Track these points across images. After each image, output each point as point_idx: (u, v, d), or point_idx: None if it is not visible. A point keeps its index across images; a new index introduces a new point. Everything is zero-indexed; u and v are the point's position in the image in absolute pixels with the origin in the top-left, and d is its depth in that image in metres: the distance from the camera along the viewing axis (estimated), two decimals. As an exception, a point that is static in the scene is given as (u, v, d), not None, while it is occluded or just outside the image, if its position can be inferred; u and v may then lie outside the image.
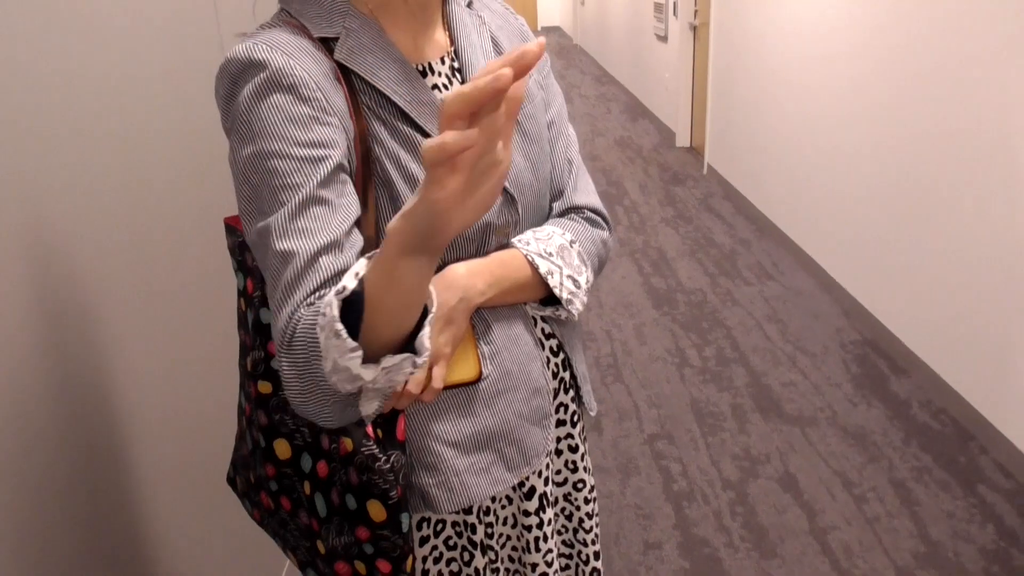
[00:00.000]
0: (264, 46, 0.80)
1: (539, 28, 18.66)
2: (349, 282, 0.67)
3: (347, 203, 0.80)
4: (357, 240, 0.80)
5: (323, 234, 0.76)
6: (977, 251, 2.63)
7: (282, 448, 0.94)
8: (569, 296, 0.97)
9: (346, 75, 0.85)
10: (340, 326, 0.66)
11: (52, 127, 1.09)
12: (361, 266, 0.68)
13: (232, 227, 0.97)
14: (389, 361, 0.68)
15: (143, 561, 1.25)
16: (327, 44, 0.85)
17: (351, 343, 0.66)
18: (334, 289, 0.67)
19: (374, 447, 0.87)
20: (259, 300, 0.92)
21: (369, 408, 0.74)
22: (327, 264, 0.75)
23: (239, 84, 0.79)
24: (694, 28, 6.42)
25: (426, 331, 0.70)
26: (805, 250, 4.14)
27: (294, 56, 0.80)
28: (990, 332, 2.59)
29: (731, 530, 2.31)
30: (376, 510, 0.88)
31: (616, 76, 10.28)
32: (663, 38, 7.19)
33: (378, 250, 0.67)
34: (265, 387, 0.93)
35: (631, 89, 9.19)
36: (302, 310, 0.73)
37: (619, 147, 7.03)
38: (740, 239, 4.64)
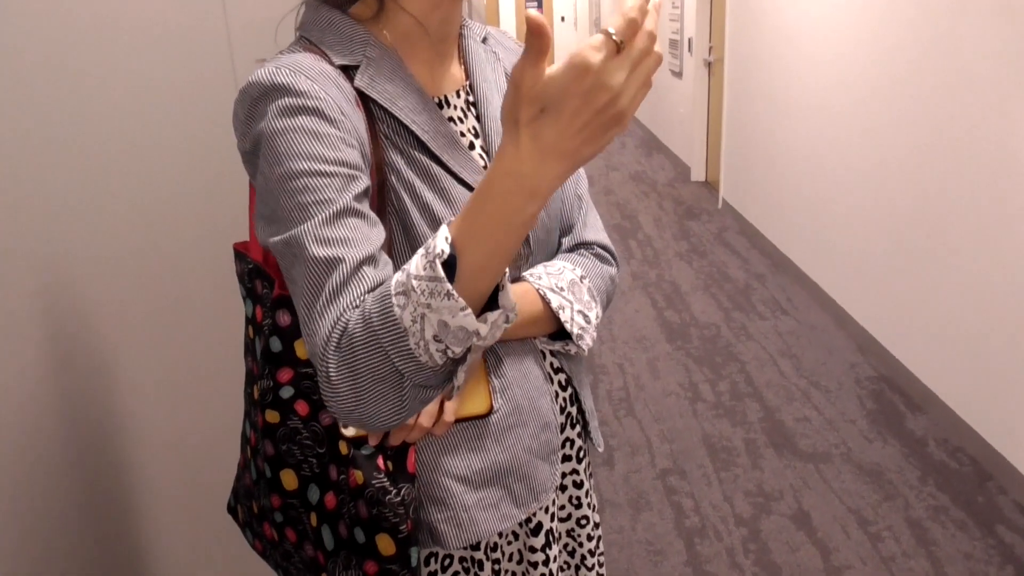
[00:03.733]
0: (287, 70, 0.80)
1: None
2: (442, 244, 0.67)
3: (378, 220, 0.80)
4: (388, 260, 0.79)
5: (365, 245, 0.75)
6: (996, 288, 2.62)
7: (289, 479, 0.94)
8: (580, 331, 0.97)
9: (365, 103, 0.86)
10: (450, 286, 0.66)
11: (61, 150, 1.12)
12: (445, 230, 0.68)
13: (241, 254, 0.98)
14: (492, 316, 0.68)
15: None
16: (347, 72, 0.86)
17: (462, 301, 0.66)
18: (428, 254, 0.67)
19: (385, 480, 0.87)
20: (269, 328, 0.92)
21: (461, 377, 0.72)
22: (370, 274, 0.74)
23: (260, 107, 0.79)
24: (709, 64, 6.47)
25: (508, 288, 0.71)
26: (820, 285, 4.12)
27: (317, 81, 0.80)
28: (1009, 369, 2.56)
29: (744, 568, 2.28)
30: (385, 544, 0.88)
31: (632, 111, 10.35)
32: (678, 74, 7.25)
33: (466, 204, 0.68)
34: (273, 416, 0.93)
35: (647, 124, 9.25)
36: (348, 314, 0.71)
37: (634, 181, 7.06)
38: (754, 273, 4.63)
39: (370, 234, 0.77)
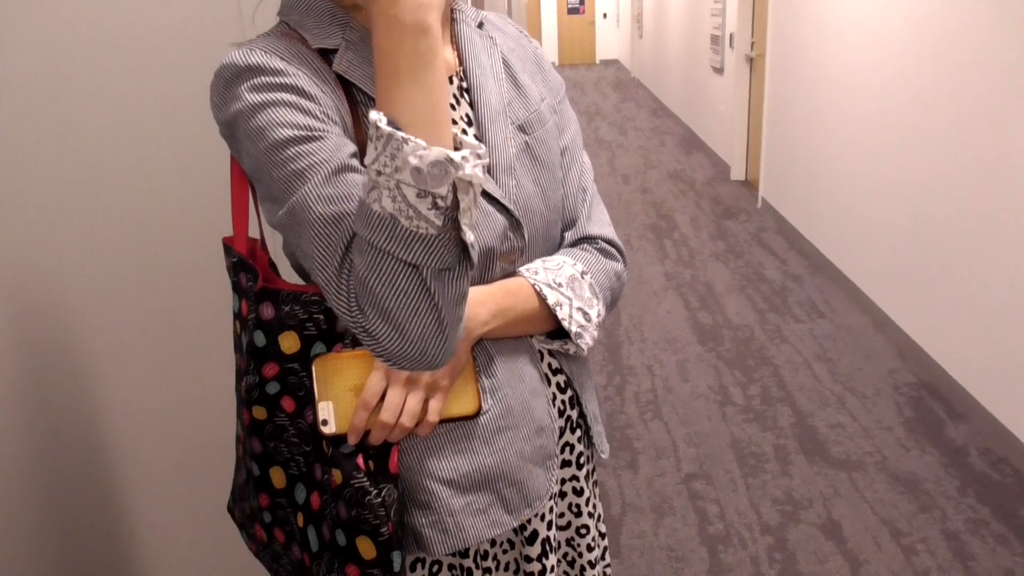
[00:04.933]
0: (260, 51, 0.78)
1: (597, 62, 18.76)
2: (374, 116, 0.66)
3: None
4: None
5: None
6: (1039, 291, 2.49)
7: (278, 477, 0.91)
8: (579, 330, 0.92)
9: (346, 87, 0.83)
10: (403, 133, 0.65)
11: (48, 142, 1.10)
12: (372, 111, 0.67)
13: (228, 247, 0.96)
14: (461, 151, 0.67)
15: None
16: (326, 56, 0.83)
17: (420, 140, 0.65)
18: (370, 136, 0.67)
19: (364, 480, 0.83)
20: (253, 322, 0.89)
21: (469, 235, 0.69)
22: None
23: (233, 88, 0.78)
24: (750, 60, 6.34)
25: (465, 138, 0.70)
26: (859, 287, 4.00)
27: (292, 62, 0.79)
28: (1054, 377, 2.44)
29: (768, 578, 2.20)
30: (366, 547, 0.84)
31: (672, 109, 10.22)
32: (719, 70, 7.13)
33: (377, 90, 0.69)
34: (259, 412, 0.90)
35: (686, 122, 9.12)
36: (354, 264, 0.70)
37: (672, 180, 6.95)
38: (792, 275, 4.51)
39: None
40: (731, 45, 6.60)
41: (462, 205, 0.68)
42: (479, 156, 0.68)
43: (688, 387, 3.31)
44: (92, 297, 1.15)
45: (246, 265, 0.91)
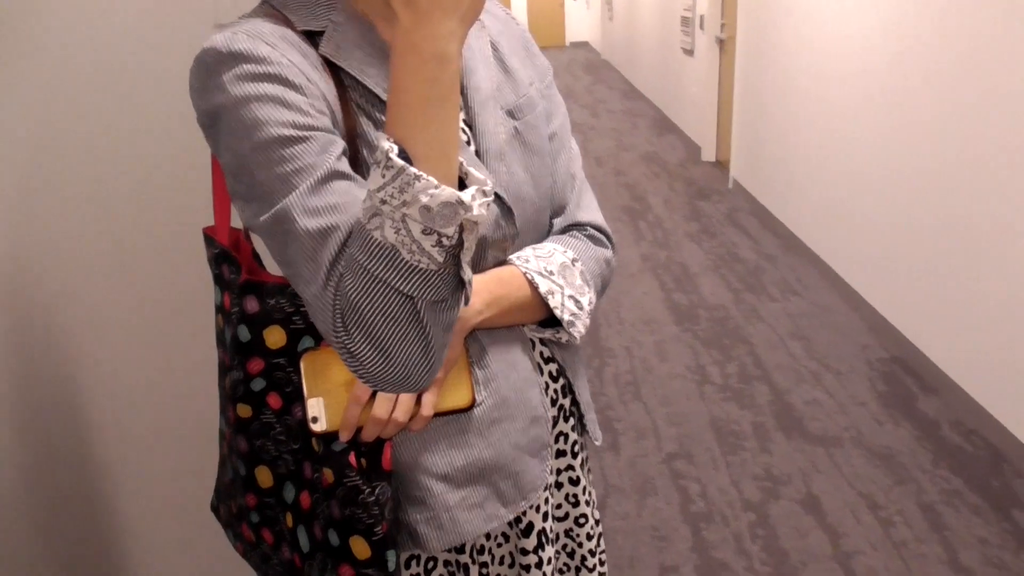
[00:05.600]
0: (244, 35, 0.75)
1: (568, 44, 18.69)
2: (386, 144, 0.64)
3: (363, 180, 0.76)
4: None
5: (356, 208, 0.71)
6: (1010, 266, 2.54)
7: (264, 476, 0.89)
8: (571, 318, 0.91)
9: (333, 71, 0.80)
10: (415, 169, 0.64)
11: (26, 132, 1.07)
12: (381, 135, 0.66)
13: (210, 238, 0.94)
14: (469, 190, 0.66)
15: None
16: (312, 38, 0.80)
17: (433, 179, 0.64)
18: (378, 163, 0.65)
19: (357, 478, 0.82)
20: (237, 316, 0.87)
21: (468, 272, 0.69)
22: None
23: (216, 76, 0.74)
24: (721, 42, 6.36)
25: (472, 171, 0.69)
26: (831, 266, 4.05)
27: (278, 47, 0.75)
28: (1022, 348, 2.49)
29: (751, 554, 2.24)
30: (360, 547, 0.83)
31: (643, 91, 10.23)
32: (690, 52, 7.14)
33: (388, 114, 0.67)
34: (244, 410, 0.88)
35: (658, 104, 9.13)
36: (342, 283, 0.69)
37: (645, 162, 6.97)
38: (765, 254, 4.55)
39: (359, 195, 0.73)
40: (701, 27, 6.61)
41: (466, 244, 0.67)
42: (484, 193, 0.67)
43: (666, 367, 3.33)
44: (71, 291, 1.13)
45: (229, 256, 0.89)
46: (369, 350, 0.68)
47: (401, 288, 0.66)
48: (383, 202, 0.65)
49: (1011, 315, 2.54)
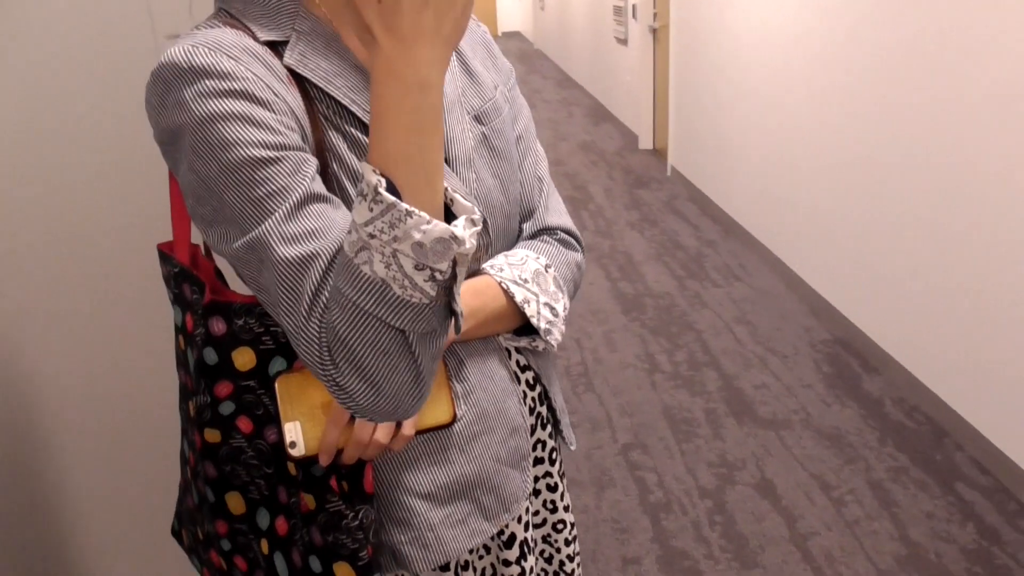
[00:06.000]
0: (205, 49, 0.70)
1: (499, 34, 18.64)
2: (374, 178, 0.63)
3: (340, 202, 0.73)
4: None
5: (334, 232, 0.69)
6: (946, 246, 2.62)
7: (235, 502, 0.85)
8: (547, 326, 0.89)
9: (299, 82, 0.76)
10: (406, 205, 0.62)
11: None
12: (367, 166, 0.64)
13: (166, 255, 0.88)
14: (459, 221, 0.65)
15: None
16: (275, 48, 0.76)
17: (425, 213, 0.63)
18: (365, 196, 0.63)
19: (340, 503, 0.79)
20: (202, 339, 0.82)
21: (459, 302, 0.69)
22: None
23: (176, 92, 0.69)
24: (654, 31, 6.41)
25: (457, 198, 0.68)
26: (771, 250, 4.12)
27: (241, 60, 0.71)
28: (961, 327, 2.57)
29: (710, 541, 2.26)
30: (344, 573, 0.79)
31: (578, 80, 10.26)
32: (623, 41, 7.18)
33: (370, 143, 0.65)
34: (212, 435, 0.83)
35: (593, 93, 9.17)
36: (328, 313, 0.66)
37: (582, 151, 6.99)
38: (706, 240, 4.61)
39: (336, 218, 0.70)
40: (634, 16, 6.65)
41: (459, 277, 0.66)
42: (473, 222, 0.66)
43: (617, 357, 3.35)
44: (24, 306, 1.05)
45: (189, 275, 0.84)
46: (358, 383, 0.66)
47: (392, 322, 0.65)
48: (371, 236, 0.63)
49: (947, 293, 2.62)
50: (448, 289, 0.67)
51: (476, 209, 0.67)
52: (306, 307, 0.67)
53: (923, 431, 2.70)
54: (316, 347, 0.67)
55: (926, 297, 2.76)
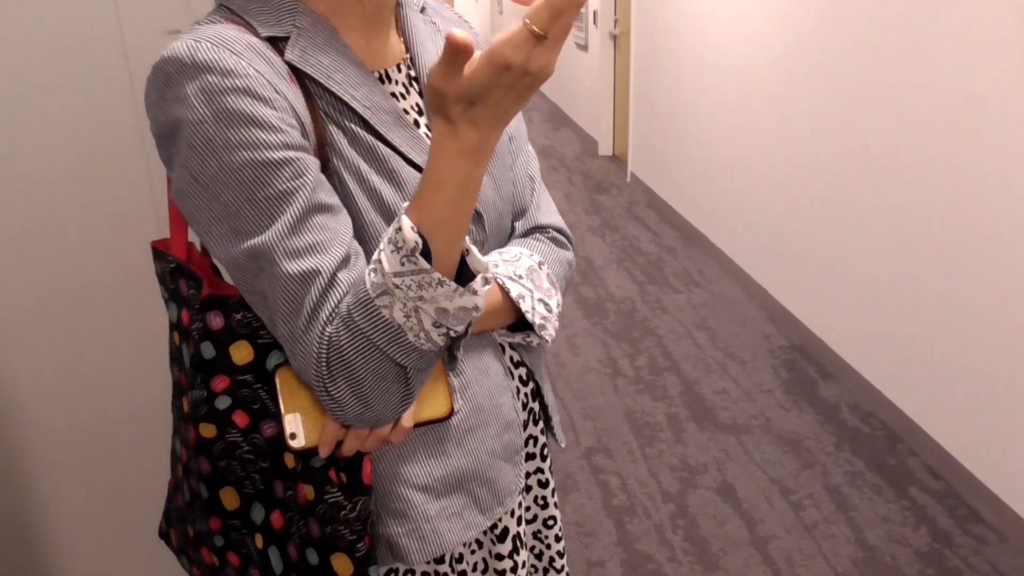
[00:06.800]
0: (209, 44, 0.70)
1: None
2: (413, 236, 0.67)
3: (340, 204, 0.75)
4: (358, 246, 0.76)
5: (335, 246, 0.72)
6: (898, 254, 2.69)
7: (229, 498, 0.83)
8: (541, 321, 0.90)
9: (299, 78, 0.77)
10: (438, 275, 0.67)
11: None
12: (407, 221, 0.67)
13: (161, 252, 0.87)
14: (477, 285, 0.70)
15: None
16: (275, 44, 0.76)
17: (454, 284, 0.68)
18: (399, 249, 0.67)
19: (339, 494, 0.79)
20: (199, 333, 0.81)
21: (460, 348, 0.76)
22: (344, 280, 0.72)
23: (177, 88, 0.69)
24: (614, 37, 6.47)
25: (473, 249, 0.71)
26: (730, 256, 4.19)
27: (244, 56, 0.71)
28: (916, 335, 2.65)
29: (673, 544, 2.28)
30: (342, 564, 0.79)
31: (536, 85, 10.30)
32: (583, 47, 7.23)
33: (416, 192, 0.69)
34: (208, 430, 0.82)
35: (552, 98, 9.22)
36: (329, 327, 0.70)
37: (542, 156, 7.02)
38: (666, 247, 4.67)
39: (339, 229, 0.73)
40: (595, 22, 6.70)
41: (469, 332, 0.73)
42: (487, 280, 0.71)
43: (579, 361, 3.36)
44: (10, 308, 1.02)
45: (186, 271, 0.83)
46: (351, 398, 0.72)
47: (398, 360, 0.71)
48: (397, 287, 0.68)
49: (900, 300, 2.70)
50: (456, 341, 0.73)
51: (489, 268, 0.72)
52: (305, 319, 0.70)
53: (878, 436, 2.76)
54: (314, 359, 0.71)
55: (882, 305, 2.83)
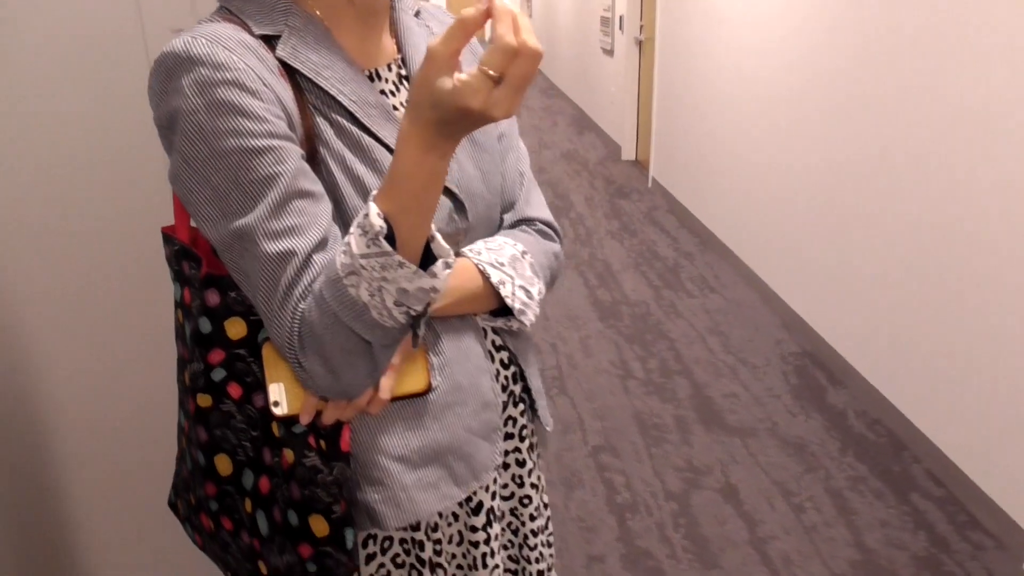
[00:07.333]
0: (204, 40, 0.78)
1: (487, 40, 18.72)
2: (379, 222, 0.72)
3: (323, 191, 0.82)
4: (336, 231, 0.82)
5: (313, 230, 0.78)
6: (910, 268, 2.72)
7: (223, 464, 0.91)
8: (521, 306, 0.96)
9: (290, 73, 0.84)
10: (400, 257, 0.73)
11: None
12: (375, 207, 0.74)
13: (169, 236, 0.95)
14: (438, 268, 0.76)
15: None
16: (269, 42, 0.84)
17: (414, 266, 0.74)
18: (366, 233, 0.73)
19: (317, 459, 0.85)
20: (198, 309, 0.89)
21: (422, 327, 0.82)
22: (319, 261, 0.78)
23: (175, 80, 0.77)
24: (640, 43, 6.51)
25: (437, 236, 0.77)
26: (747, 263, 4.22)
27: (236, 52, 0.78)
28: (922, 344, 2.67)
29: (673, 541, 2.33)
30: (319, 525, 0.86)
31: (563, 89, 10.36)
32: (609, 52, 7.28)
33: (385, 181, 0.75)
34: (204, 400, 0.90)
35: (578, 102, 9.27)
36: (302, 304, 0.77)
37: (565, 160, 7.08)
38: (683, 252, 4.70)
39: (317, 214, 0.80)
40: (621, 27, 6.75)
41: (428, 312, 0.79)
42: (448, 265, 0.77)
43: (591, 362, 3.42)
44: (29, 288, 1.10)
45: (189, 253, 0.90)
46: (320, 369, 0.78)
47: (362, 335, 0.77)
48: (363, 268, 0.74)
49: (913, 312, 2.72)
50: (417, 319, 0.78)
51: (451, 253, 0.78)
52: (280, 296, 0.77)
53: (883, 443, 2.79)
54: (287, 332, 0.78)
55: (893, 315, 2.85)
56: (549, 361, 3.44)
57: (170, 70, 0.78)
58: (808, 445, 2.79)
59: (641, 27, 6.45)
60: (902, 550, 2.27)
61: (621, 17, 6.72)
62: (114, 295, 1.40)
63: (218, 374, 0.87)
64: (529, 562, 1.11)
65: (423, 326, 0.81)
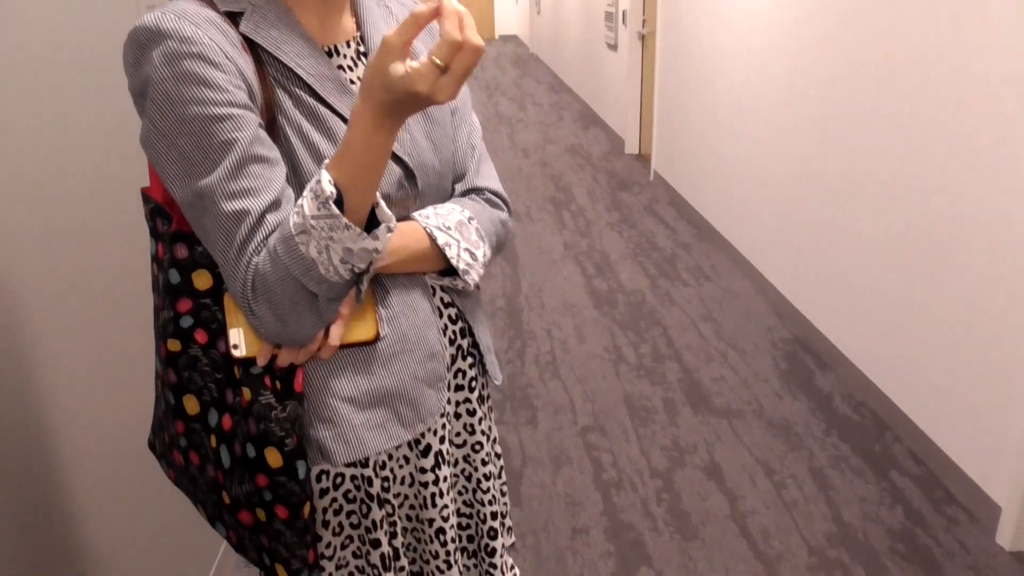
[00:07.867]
0: (172, 16, 0.86)
1: (496, 37, 18.80)
2: (329, 188, 0.82)
3: (278, 156, 0.90)
4: (290, 193, 0.91)
5: (267, 192, 0.87)
6: (897, 255, 2.77)
7: (191, 404, 1.00)
8: (466, 267, 1.04)
9: (252, 47, 0.92)
10: (346, 220, 0.83)
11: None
12: (326, 174, 0.83)
13: (147, 196, 1.03)
14: (380, 231, 0.86)
15: (65, 561, 1.28)
16: (233, 18, 0.92)
17: (359, 229, 0.84)
18: (317, 197, 0.82)
19: (271, 397, 0.94)
20: (168, 262, 0.98)
21: (365, 283, 0.92)
22: (272, 220, 0.87)
23: (146, 51, 0.86)
24: (642, 37, 6.57)
25: (381, 203, 0.88)
26: (742, 253, 4.28)
27: (201, 27, 0.87)
28: (906, 329, 2.73)
29: (656, 515, 2.40)
30: (273, 457, 0.94)
31: (570, 85, 10.42)
32: (613, 47, 7.34)
33: (336, 152, 0.84)
34: (174, 345, 0.98)
35: (583, 97, 9.33)
36: (255, 257, 0.86)
37: (570, 154, 7.14)
38: (681, 243, 4.77)
39: (271, 177, 0.88)
40: (624, 22, 6.81)
41: (370, 271, 0.90)
42: (389, 229, 0.87)
43: (584, 348, 3.49)
44: (15, 263, 1.19)
45: (162, 211, 0.99)
46: (271, 317, 0.88)
47: (310, 288, 0.86)
48: (313, 227, 0.83)
49: (898, 299, 2.78)
50: (360, 276, 0.89)
51: (393, 219, 0.88)
52: (236, 250, 0.86)
53: (866, 424, 2.85)
54: (241, 282, 0.87)
55: (879, 301, 2.91)
56: (544, 347, 3.52)
57: (142, 43, 0.86)
58: (793, 426, 2.85)
59: (644, 21, 6.50)
60: (878, 524, 2.33)
61: (624, 12, 6.77)
62: (112, 290, 1.49)
63: (186, 321, 0.96)
64: (483, 504, 1.19)
65: (365, 282, 0.91)
